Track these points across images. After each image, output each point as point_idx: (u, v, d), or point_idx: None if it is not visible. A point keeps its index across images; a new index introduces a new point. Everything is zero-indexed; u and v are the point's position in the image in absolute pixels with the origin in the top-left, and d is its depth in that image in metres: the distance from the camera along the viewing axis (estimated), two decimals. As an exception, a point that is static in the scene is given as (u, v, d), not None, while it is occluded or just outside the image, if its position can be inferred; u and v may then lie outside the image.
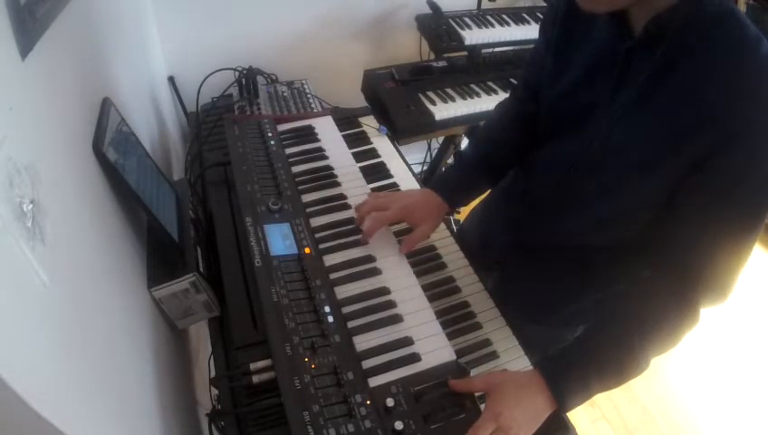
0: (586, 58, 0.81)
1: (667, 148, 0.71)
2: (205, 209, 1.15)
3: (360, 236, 0.95)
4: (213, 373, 0.85)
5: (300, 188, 1.05)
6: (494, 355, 0.85)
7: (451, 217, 2.29)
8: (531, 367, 0.83)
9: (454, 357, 0.79)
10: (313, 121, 1.25)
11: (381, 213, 0.93)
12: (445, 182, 1.01)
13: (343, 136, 1.22)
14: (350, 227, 0.98)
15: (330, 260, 0.91)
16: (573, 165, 0.85)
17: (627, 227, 0.84)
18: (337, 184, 1.08)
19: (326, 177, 1.09)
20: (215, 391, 0.82)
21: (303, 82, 1.62)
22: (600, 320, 0.79)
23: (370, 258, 0.92)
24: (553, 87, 0.87)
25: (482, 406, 0.73)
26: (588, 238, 0.91)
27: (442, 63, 1.84)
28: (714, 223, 0.71)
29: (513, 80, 1.80)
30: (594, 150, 0.81)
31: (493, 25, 1.85)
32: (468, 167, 1.02)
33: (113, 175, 0.77)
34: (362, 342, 0.80)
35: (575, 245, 0.93)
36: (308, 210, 1.00)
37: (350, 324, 0.82)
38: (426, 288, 0.90)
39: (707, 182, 0.69)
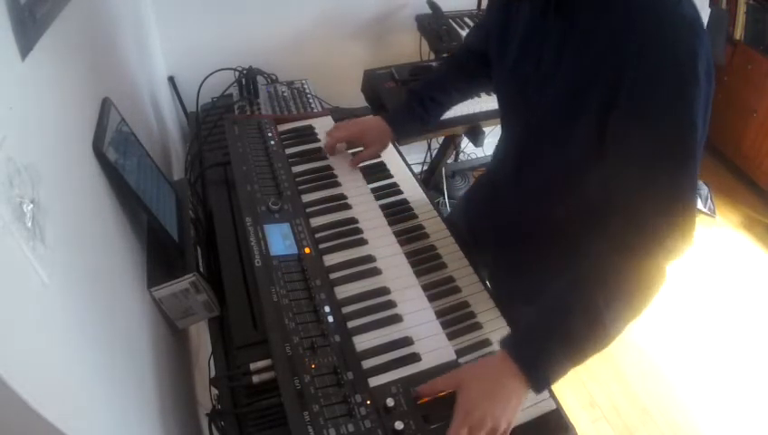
0: (520, 35, 0.85)
1: (580, 96, 0.73)
2: (205, 209, 1.15)
3: (360, 236, 0.96)
4: (213, 373, 0.85)
5: (300, 188, 1.05)
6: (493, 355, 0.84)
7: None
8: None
9: (454, 357, 0.79)
10: (313, 121, 1.25)
11: (338, 132, 1.13)
12: (394, 114, 1.17)
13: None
14: (350, 226, 0.98)
15: (330, 260, 0.91)
16: (522, 145, 0.91)
17: (586, 194, 0.85)
18: (337, 184, 1.08)
19: (326, 177, 1.09)
20: (215, 391, 0.82)
21: (303, 82, 1.62)
22: (558, 287, 0.76)
23: (370, 258, 0.92)
24: (500, 65, 0.91)
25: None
26: (558, 213, 0.93)
27: (442, 63, 1.83)
28: (641, 161, 0.70)
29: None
30: (533, 124, 0.85)
31: (493, 25, 1.84)
32: (413, 102, 1.14)
33: (113, 175, 0.77)
34: (362, 342, 0.80)
35: (549, 222, 0.95)
36: (308, 210, 1.00)
37: (350, 324, 0.82)
38: (426, 288, 0.90)
39: (625, 120, 0.70)
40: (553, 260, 0.99)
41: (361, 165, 1.14)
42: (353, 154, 1.17)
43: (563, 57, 0.76)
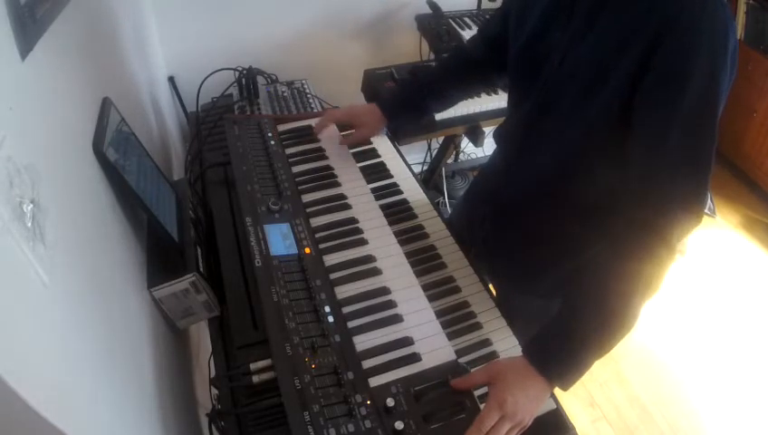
0: (542, 9, 0.85)
1: (608, 68, 0.73)
2: (205, 209, 1.15)
3: (360, 236, 0.96)
4: (213, 373, 0.85)
5: (300, 188, 1.05)
6: (493, 355, 0.84)
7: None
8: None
9: (454, 357, 0.79)
10: (313, 121, 1.25)
11: (332, 112, 1.17)
12: (388, 101, 1.17)
13: (343, 136, 1.22)
14: (350, 226, 0.98)
15: (330, 260, 0.91)
16: (531, 120, 0.89)
17: (585, 178, 0.85)
18: (337, 184, 1.08)
19: (326, 177, 1.09)
20: (215, 391, 0.82)
21: (303, 82, 1.62)
22: (576, 287, 0.78)
23: (370, 258, 0.92)
24: (516, 42, 0.91)
25: (482, 406, 0.73)
26: (553, 212, 0.93)
27: (442, 63, 1.83)
28: (666, 134, 0.70)
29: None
30: (547, 89, 0.84)
31: (493, 25, 1.84)
32: (408, 89, 1.16)
33: (113, 175, 0.77)
34: (362, 342, 0.80)
35: (545, 221, 0.96)
36: (308, 210, 1.00)
37: (350, 324, 0.82)
38: (426, 288, 0.90)
39: (651, 95, 0.70)
40: (545, 245, 1.00)
41: (361, 165, 1.15)
42: (354, 156, 1.17)
43: (596, 24, 0.76)
